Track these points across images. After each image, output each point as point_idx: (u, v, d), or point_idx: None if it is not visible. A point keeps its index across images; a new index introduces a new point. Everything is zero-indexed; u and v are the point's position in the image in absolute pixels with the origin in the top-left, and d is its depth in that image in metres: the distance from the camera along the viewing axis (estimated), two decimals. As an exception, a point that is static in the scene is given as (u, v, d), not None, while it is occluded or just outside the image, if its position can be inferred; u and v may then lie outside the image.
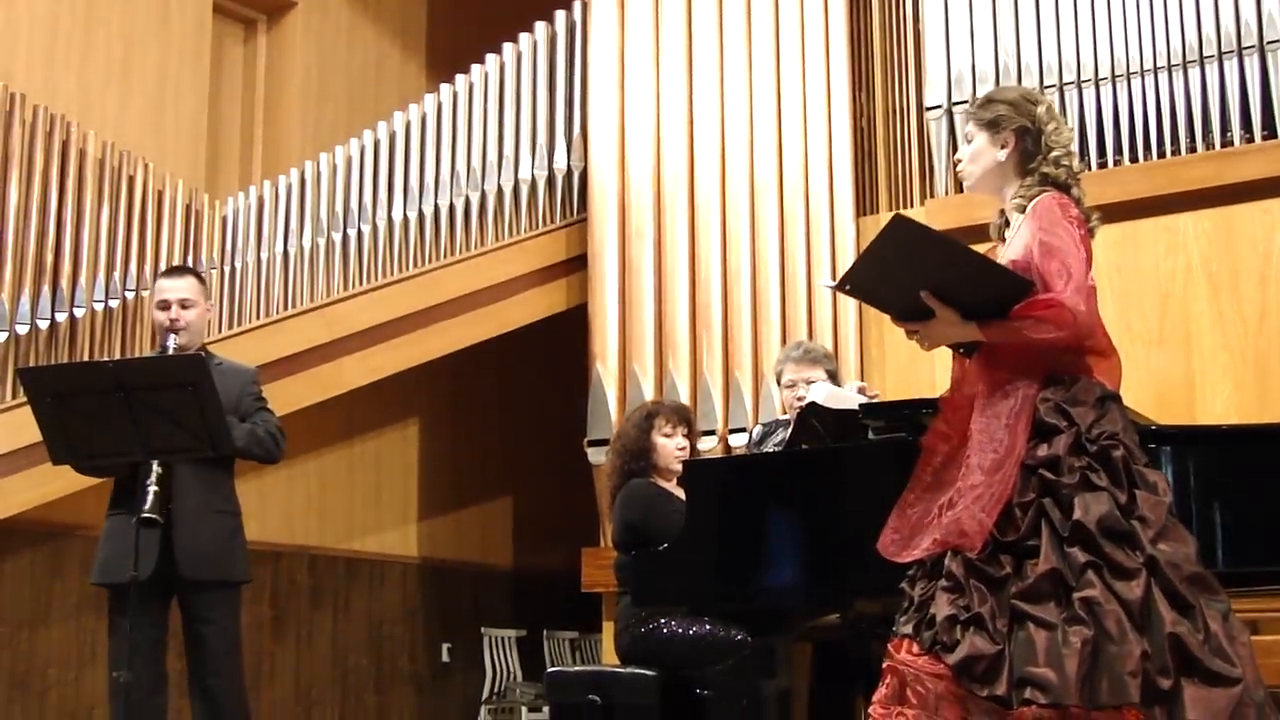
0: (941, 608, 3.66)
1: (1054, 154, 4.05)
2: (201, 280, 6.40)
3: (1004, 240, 4.08)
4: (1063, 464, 3.71)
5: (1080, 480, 3.70)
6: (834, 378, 6.75)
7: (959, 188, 8.84)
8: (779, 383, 6.95)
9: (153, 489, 5.62)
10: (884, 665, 3.80)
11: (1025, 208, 3.99)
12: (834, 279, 4.43)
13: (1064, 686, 3.48)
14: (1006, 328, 3.78)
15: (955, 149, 8.76)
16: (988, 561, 3.66)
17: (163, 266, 9.27)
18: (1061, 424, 3.77)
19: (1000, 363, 3.83)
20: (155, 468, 5.66)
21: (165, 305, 6.14)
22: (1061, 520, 3.66)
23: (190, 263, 9.52)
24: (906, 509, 3.92)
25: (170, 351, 6.03)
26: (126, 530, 5.74)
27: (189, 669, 5.99)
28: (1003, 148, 4.07)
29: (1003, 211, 4.14)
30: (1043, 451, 3.73)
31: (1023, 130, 4.06)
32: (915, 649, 3.71)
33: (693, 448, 6.73)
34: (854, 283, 3.92)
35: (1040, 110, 4.09)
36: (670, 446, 6.55)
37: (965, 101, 8.90)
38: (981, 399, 3.83)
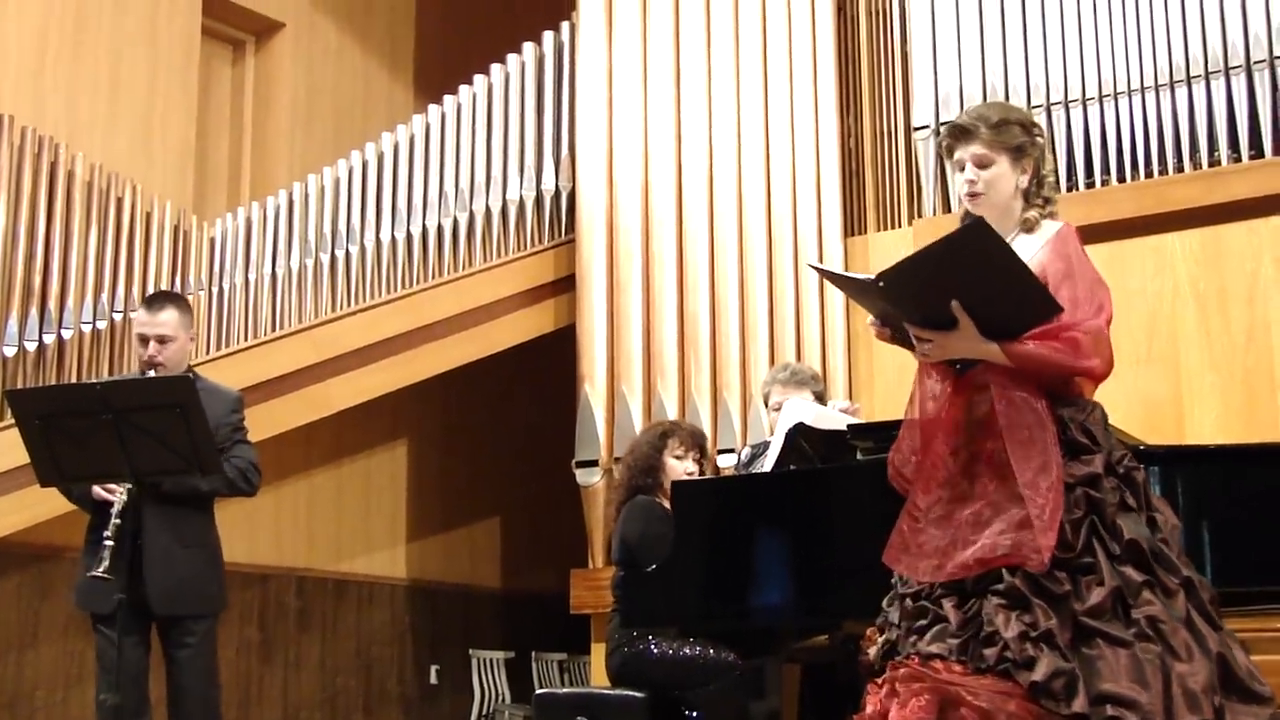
0: (1006, 625, 3.57)
1: (1049, 180, 4.05)
2: (183, 308, 6.30)
3: None
4: (1103, 483, 3.71)
5: (1119, 500, 3.71)
6: (820, 399, 6.75)
7: (946, 208, 8.86)
8: (766, 404, 6.95)
9: (108, 545, 5.56)
10: (907, 686, 3.67)
11: (1033, 227, 3.97)
12: (824, 271, 4.23)
13: (1152, 704, 3.46)
14: (1034, 350, 3.72)
15: (943, 170, 8.80)
16: (1048, 578, 3.60)
17: (151, 288, 9.29)
18: (1090, 444, 3.76)
19: (1012, 380, 3.76)
20: (115, 519, 5.60)
21: (144, 340, 6.11)
22: (1110, 538, 3.65)
23: (179, 284, 9.53)
24: (917, 529, 3.83)
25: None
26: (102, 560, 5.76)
27: (167, 694, 5.98)
28: (1023, 174, 4.00)
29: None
30: (1081, 470, 3.71)
31: (1040, 157, 4.04)
32: (959, 668, 3.61)
33: (701, 473, 6.73)
34: (893, 281, 3.76)
35: (1042, 136, 4.09)
36: (679, 469, 6.55)
37: (951, 122, 8.88)
38: (1002, 417, 3.75)
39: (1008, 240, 3.90)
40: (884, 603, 3.98)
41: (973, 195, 4.01)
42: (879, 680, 3.81)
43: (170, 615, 5.89)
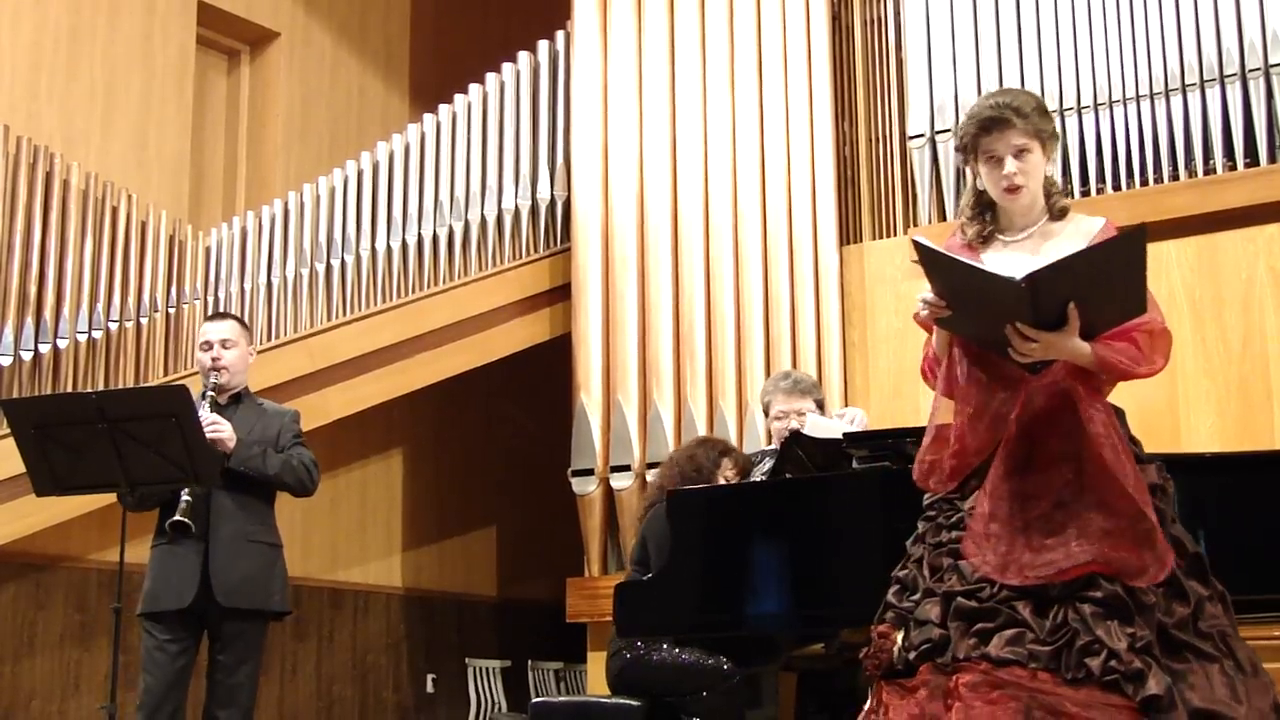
0: (1110, 635, 3.45)
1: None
2: (244, 325, 6.52)
3: (979, 247, 3.92)
4: (1161, 493, 3.69)
5: (1171, 513, 3.69)
6: (821, 407, 6.75)
7: (942, 216, 8.88)
8: (766, 413, 6.93)
9: (186, 498, 5.77)
10: (978, 692, 3.50)
11: (1065, 214, 3.89)
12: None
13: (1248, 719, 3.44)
14: (1114, 354, 3.66)
15: (939, 177, 8.82)
16: (1143, 589, 3.52)
17: (146, 298, 9.38)
18: (1141, 452, 3.74)
19: (1094, 386, 3.71)
20: (185, 495, 5.82)
21: (207, 345, 6.24)
22: (1177, 552, 3.61)
23: (174, 294, 9.56)
24: (990, 531, 3.66)
25: (210, 390, 6.10)
26: (172, 558, 5.91)
27: (206, 696, 6.02)
28: (1049, 161, 3.90)
29: (985, 216, 3.96)
30: (1149, 479, 3.67)
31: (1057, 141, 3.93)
32: (1047, 677, 3.46)
33: None
34: (1040, 284, 3.54)
35: None
36: None
37: (947, 130, 8.90)
38: (1095, 422, 3.66)
39: (1032, 230, 3.86)
40: (890, 597, 3.83)
41: (1014, 189, 3.85)
42: (908, 683, 3.65)
43: (231, 609, 5.95)
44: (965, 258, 3.75)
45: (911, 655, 3.66)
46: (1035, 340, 3.58)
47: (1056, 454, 3.67)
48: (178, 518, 5.74)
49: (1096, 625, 3.47)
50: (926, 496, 3.90)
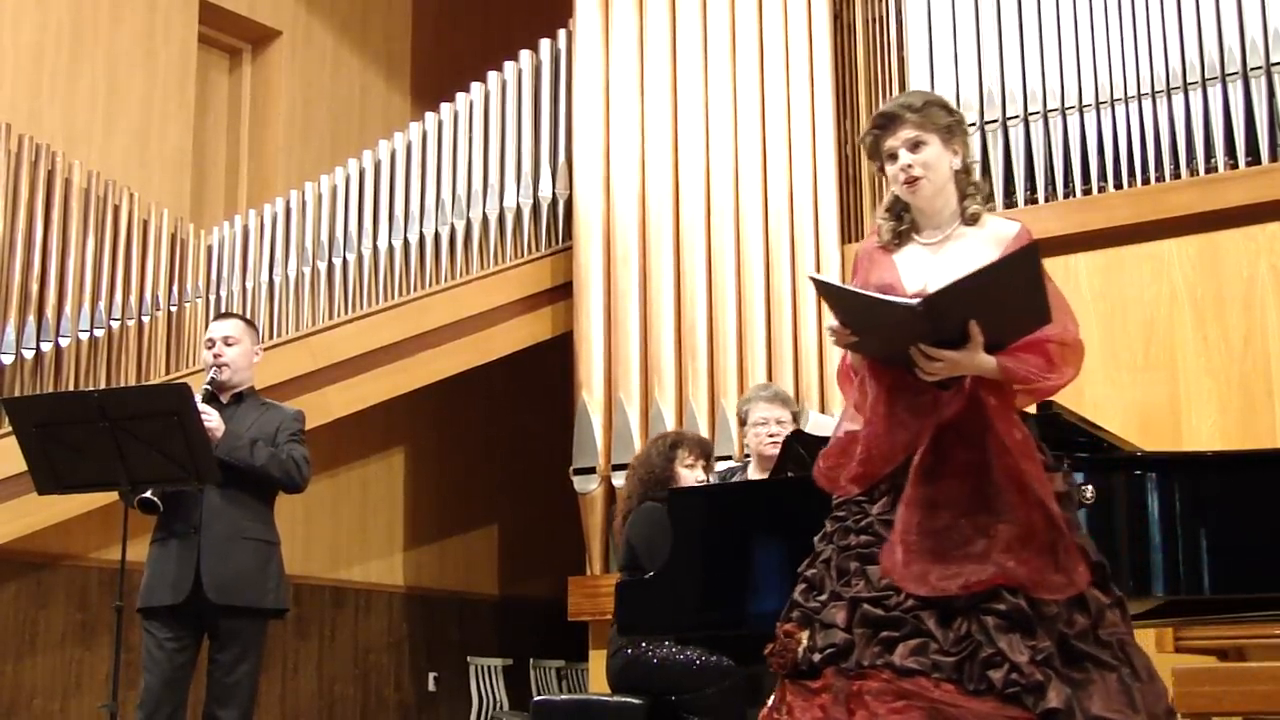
0: (1012, 647, 3.46)
1: (973, 166, 3.96)
2: (250, 324, 6.54)
3: (892, 249, 3.92)
4: (1067, 501, 3.67)
5: (1076, 520, 3.68)
6: (796, 420, 6.80)
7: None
8: (744, 422, 6.97)
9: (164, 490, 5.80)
10: (882, 701, 3.51)
11: (978, 220, 3.87)
12: (817, 284, 4.02)
13: None
14: (1021, 366, 3.64)
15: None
16: (1045, 600, 3.52)
17: (148, 296, 9.41)
18: (1050, 460, 3.72)
19: (1004, 397, 3.67)
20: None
21: (210, 343, 6.26)
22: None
23: (176, 293, 9.58)
24: (894, 539, 3.65)
25: (210, 385, 6.12)
26: (166, 553, 5.92)
27: (206, 695, 6.02)
28: (955, 155, 3.86)
29: (902, 216, 3.95)
30: (1056, 488, 3.65)
31: (966, 140, 3.92)
32: (951, 688, 3.47)
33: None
34: (936, 305, 3.57)
35: (964, 120, 3.98)
36: (690, 477, 6.57)
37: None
38: (1005, 435, 3.64)
39: (949, 233, 3.86)
40: (798, 596, 3.82)
41: (911, 181, 3.84)
42: (812, 684, 3.65)
43: (224, 606, 5.93)
44: (880, 264, 3.81)
45: (816, 657, 3.66)
46: (939, 359, 3.60)
47: (963, 464, 3.67)
48: (148, 495, 5.75)
49: (999, 638, 3.48)
50: (835, 496, 3.89)
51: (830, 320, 3.81)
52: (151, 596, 5.98)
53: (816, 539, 3.90)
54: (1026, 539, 3.55)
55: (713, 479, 6.94)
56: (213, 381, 6.15)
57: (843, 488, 3.87)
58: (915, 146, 3.84)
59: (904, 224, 3.94)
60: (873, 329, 3.75)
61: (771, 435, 6.54)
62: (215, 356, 6.19)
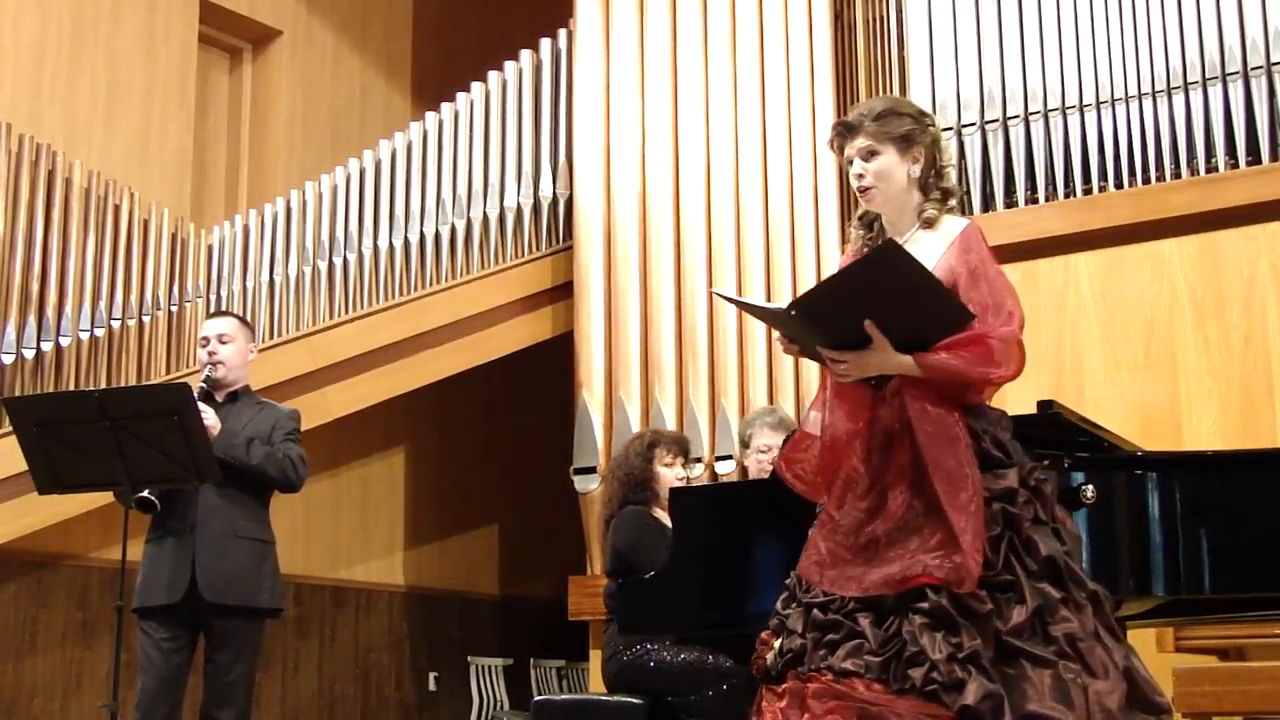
0: (933, 646, 3.49)
1: (948, 170, 4.00)
2: (244, 322, 6.54)
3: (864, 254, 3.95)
4: (1018, 497, 3.67)
5: (1032, 515, 3.68)
6: None
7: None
8: (745, 444, 6.97)
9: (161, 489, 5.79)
10: (820, 701, 3.57)
11: (934, 223, 3.89)
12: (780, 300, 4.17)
13: None
14: (946, 361, 3.66)
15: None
16: (972, 596, 3.53)
17: (149, 296, 9.39)
18: (1004, 457, 3.73)
19: (926, 394, 3.70)
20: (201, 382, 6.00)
21: (205, 341, 6.28)
22: (1026, 555, 3.62)
23: (176, 292, 9.58)
24: (834, 541, 3.74)
25: (205, 383, 6.11)
26: (161, 552, 5.89)
27: (203, 696, 6.01)
28: (914, 163, 3.90)
29: (873, 224, 4.04)
30: (998, 484, 3.66)
31: (931, 145, 3.95)
32: (879, 688, 3.52)
33: (688, 478, 6.76)
34: (806, 309, 3.71)
35: (935, 125, 4.02)
36: (671, 476, 6.56)
37: (950, 128, 8.92)
38: (919, 432, 3.68)
39: (907, 237, 3.88)
40: (778, 605, 3.89)
41: (863, 190, 3.94)
42: (777, 689, 3.73)
43: (219, 605, 5.93)
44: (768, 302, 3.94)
45: (779, 663, 3.77)
46: (841, 360, 3.73)
47: (901, 467, 3.73)
48: (144, 494, 5.75)
49: (922, 636, 3.52)
50: (817, 506, 3.96)
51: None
52: (147, 596, 5.99)
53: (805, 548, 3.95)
54: (950, 537, 3.58)
55: (691, 474, 6.94)
56: (208, 380, 6.16)
57: (798, 489, 4.02)
58: (869, 156, 3.92)
59: (873, 232, 4.02)
60: (786, 333, 3.88)
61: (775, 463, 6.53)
62: (210, 354, 6.22)
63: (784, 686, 3.71)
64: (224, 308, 9.79)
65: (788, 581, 3.92)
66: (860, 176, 3.92)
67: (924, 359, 3.66)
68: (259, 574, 6.09)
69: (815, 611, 3.72)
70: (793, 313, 3.69)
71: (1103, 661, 3.55)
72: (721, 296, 3.88)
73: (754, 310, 3.96)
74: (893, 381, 3.75)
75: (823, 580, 3.73)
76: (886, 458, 3.76)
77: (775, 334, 3.93)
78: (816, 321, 3.72)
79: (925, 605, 3.55)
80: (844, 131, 3.97)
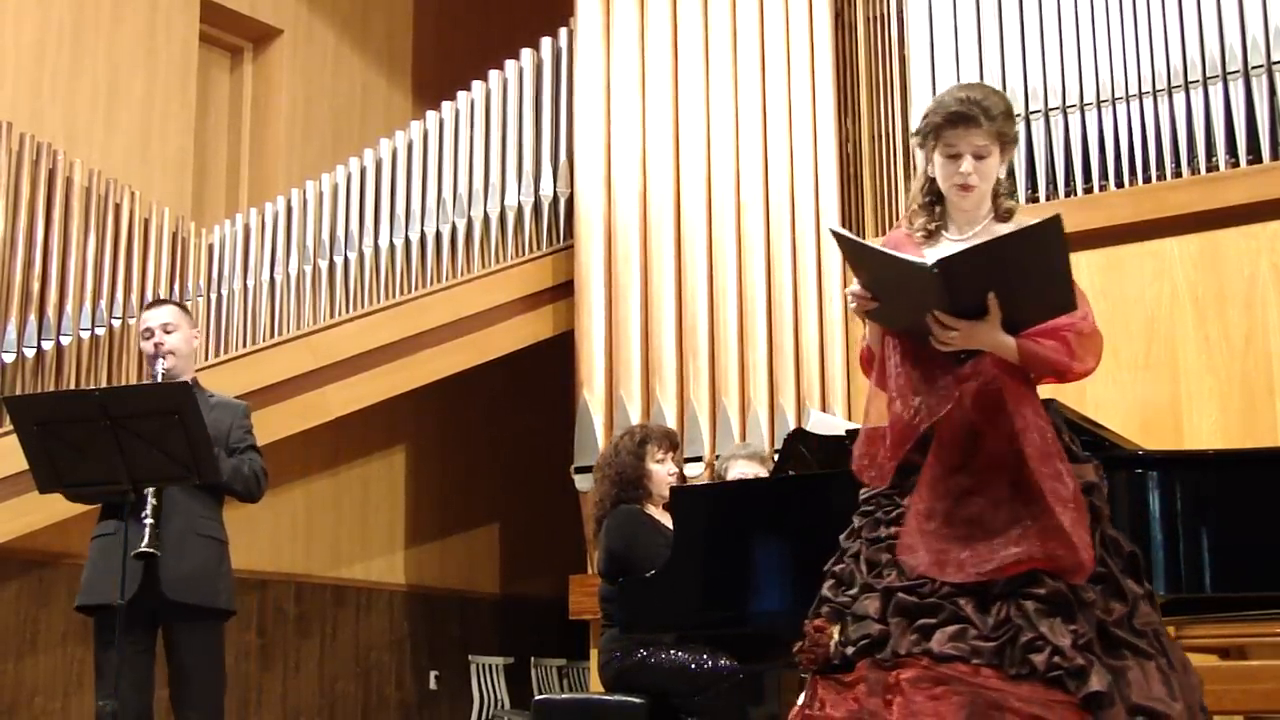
0: (1053, 631, 3.46)
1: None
2: (184, 309, 6.38)
3: (923, 244, 3.88)
4: (1098, 491, 3.67)
5: (1109, 511, 3.68)
6: None
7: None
8: (721, 479, 6.97)
9: (149, 523, 5.61)
10: (919, 688, 3.49)
11: (1011, 214, 3.84)
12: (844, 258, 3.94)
13: (1185, 717, 3.45)
14: (1039, 348, 3.65)
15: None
16: (1082, 586, 3.52)
17: (149, 294, 9.33)
18: (1078, 450, 3.72)
19: (1011, 375, 3.67)
20: (151, 499, 5.64)
21: (149, 333, 6.09)
22: (1114, 550, 3.63)
23: (177, 291, 9.57)
24: (927, 528, 3.66)
25: (159, 378, 6.00)
26: (111, 553, 5.73)
27: (171, 700, 5.94)
28: (1003, 165, 3.85)
29: (934, 210, 3.92)
30: (1081, 479, 3.64)
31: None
32: (988, 672, 3.46)
33: (680, 473, 6.73)
34: (952, 268, 3.56)
35: None
36: (663, 473, 6.52)
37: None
38: (1018, 418, 3.64)
39: (982, 229, 3.83)
40: (826, 591, 3.82)
41: (966, 188, 3.81)
42: (845, 678, 3.64)
43: (179, 604, 5.83)
44: (906, 253, 3.76)
45: (849, 650, 3.66)
46: (955, 329, 3.62)
47: (995, 453, 3.67)
48: (145, 549, 5.58)
49: (1040, 621, 3.48)
50: (863, 491, 3.90)
51: (852, 285, 3.80)
52: (92, 594, 5.89)
53: (843, 536, 3.90)
54: (1054, 525, 3.54)
55: (680, 469, 6.91)
56: (163, 374, 6.02)
57: (870, 481, 3.88)
58: (980, 156, 3.81)
59: (935, 220, 3.92)
60: (894, 294, 3.74)
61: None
62: (157, 346, 6.03)
63: (855, 675, 3.63)
64: (225, 307, 9.79)
65: (835, 569, 3.85)
66: (968, 174, 3.80)
67: (1024, 345, 3.63)
68: (217, 574, 5.97)
69: (901, 595, 3.62)
70: (935, 270, 3.56)
71: (1180, 657, 3.58)
72: (838, 235, 3.62)
73: (872, 255, 3.74)
74: (982, 362, 3.70)
75: (924, 566, 3.62)
76: (976, 442, 3.70)
77: (851, 288, 3.78)
78: (950, 284, 3.58)
79: (1042, 591, 3.51)
80: (957, 122, 3.80)
